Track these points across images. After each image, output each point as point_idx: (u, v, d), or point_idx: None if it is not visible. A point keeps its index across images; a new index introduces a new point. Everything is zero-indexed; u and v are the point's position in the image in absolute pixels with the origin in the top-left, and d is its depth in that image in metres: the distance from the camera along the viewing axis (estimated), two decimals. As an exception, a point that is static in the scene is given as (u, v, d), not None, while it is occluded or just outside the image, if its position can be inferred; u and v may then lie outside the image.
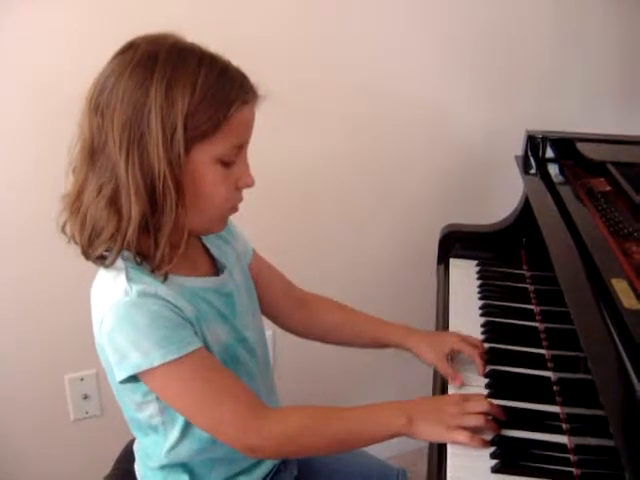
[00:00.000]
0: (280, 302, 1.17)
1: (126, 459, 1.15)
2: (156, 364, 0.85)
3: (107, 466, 1.18)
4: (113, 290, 0.86)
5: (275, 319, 1.19)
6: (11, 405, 1.56)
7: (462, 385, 1.07)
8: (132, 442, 1.15)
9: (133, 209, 0.83)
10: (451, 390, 1.07)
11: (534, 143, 1.50)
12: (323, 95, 1.64)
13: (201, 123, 0.84)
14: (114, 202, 0.85)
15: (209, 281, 0.98)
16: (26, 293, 1.49)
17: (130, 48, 0.87)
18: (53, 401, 1.60)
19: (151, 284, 0.87)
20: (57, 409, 1.61)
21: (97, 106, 0.85)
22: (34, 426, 1.59)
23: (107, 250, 0.87)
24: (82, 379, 1.60)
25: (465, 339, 1.13)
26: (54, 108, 1.35)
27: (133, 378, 0.88)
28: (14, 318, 1.50)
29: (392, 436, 0.91)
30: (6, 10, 1.30)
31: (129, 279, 0.86)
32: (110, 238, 0.85)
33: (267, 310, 1.15)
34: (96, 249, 0.87)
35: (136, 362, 0.85)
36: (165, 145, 0.82)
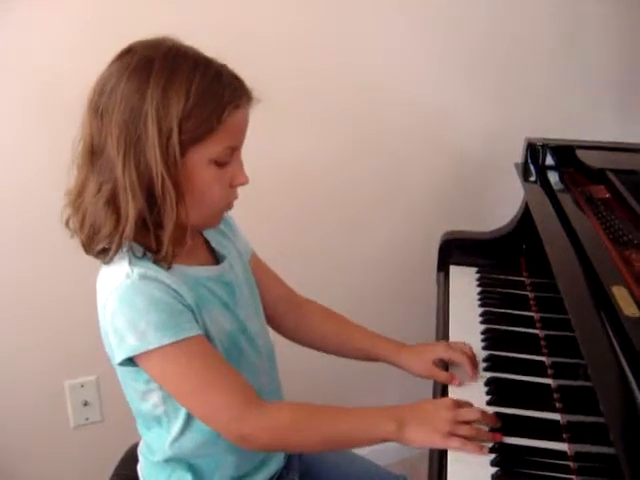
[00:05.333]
0: (274, 303, 1.18)
1: (127, 465, 1.15)
2: (152, 347, 0.87)
3: (107, 472, 1.18)
4: (116, 274, 0.89)
5: (268, 320, 1.19)
6: (10, 411, 1.56)
7: (461, 384, 1.07)
8: (132, 448, 1.15)
9: (130, 208, 0.87)
10: (451, 394, 1.06)
11: (534, 150, 1.50)
12: (322, 98, 1.65)
13: (195, 127, 0.87)
14: (112, 201, 0.88)
15: (210, 270, 1.00)
16: (25, 299, 1.49)
17: (128, 53, 0.90)
18: (53, 407, 1.60)
19: (153, 269, 0.89)
20: (57, 415, 1.61)
21: (97, 108, 0.88)
22: (34, 432, 1.59)
23: (108, 245, 0.90)
24: (82, 385, 1.60)
25: (452, 347, 1.12)
26: (54, 108, 1.36)
27: (132, 362, 0.90)
28: (13, 324, 1.50)
29: (381, 441, 0.93)
30: (6, 10, 1.31)
31: (132, 263, 0.89)
32: (108, 235, 0.88)
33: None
34: (96, 245, 0.91)
35: (133, 344, 0.87)
36: (161, 148, 0.85)
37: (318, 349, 1.21)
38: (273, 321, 1.19)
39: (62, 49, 1.37)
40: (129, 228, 0.87)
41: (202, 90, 0.87)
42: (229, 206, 0.98)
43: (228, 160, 0.92)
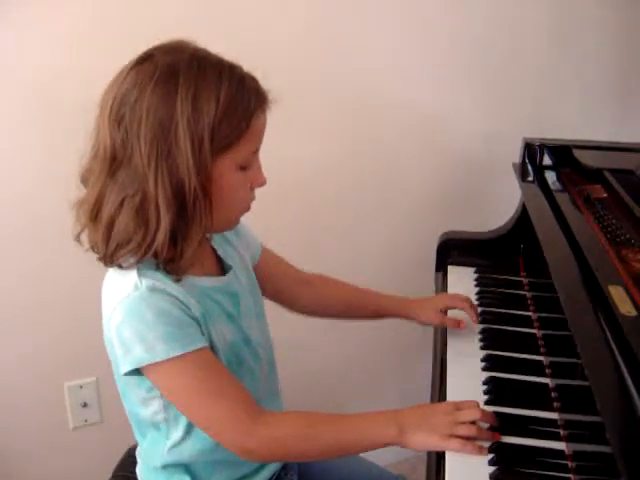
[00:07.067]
0: (290, 287, 1.23)
1: (126, 466, 1.15)
2: (159, 359, 0.86)
3: (106, 474, 1.18)
4: (124, 285, 0.88)
5: (285, 303, 1.24)
6: (10, 413, 1.56)
7: (465, 328, 1.19)
8: (132, 449, 1.15)
9: (163, 220, 0.85)
10: (450, 393, 1.07)
11: (531, 150, 1.50)
12: (322, 101, 1.65)
13: (227, 134, 0.87)
14: (141, 213, 0.86)
15: (217, 280, 1.00)
16: (26, 301, 1.49)
17: (147, 60, 0.87)
18: (52, 409, 1.60)
19: (161, 280, 0.89)
20: (56, 417, 1.61)
21: (119, 120, 0.86)
22: (33, 434, 1.59)
23: (132, 256, 0.88)
24: (81, 387, 1.60)
25: (453, 296, 1.26)
26: (54, 108, 1.36)
27: (137, 372, 0.89)
28: (13, 326, 1.50)
29: (383, 446, 0.92)
30: (6, 10, 1.31)
31: (140, 274, 0.88)
32: (137, 247, 0.87)
33: (278, 297, 1.22)
34: (119, 257, 0.89)
35: (140, 356, 0.87)
36: (194, 157, 0.85)
37: (333, 316, 1.29)
38: (290, 303, 1.24)
39: (62, 49, 1.37)
40: (161, 239, 0.86)
41: (231, 97, 0.86)
42: (248, 208, 0.98)
43: (251, 163, 0.93)
